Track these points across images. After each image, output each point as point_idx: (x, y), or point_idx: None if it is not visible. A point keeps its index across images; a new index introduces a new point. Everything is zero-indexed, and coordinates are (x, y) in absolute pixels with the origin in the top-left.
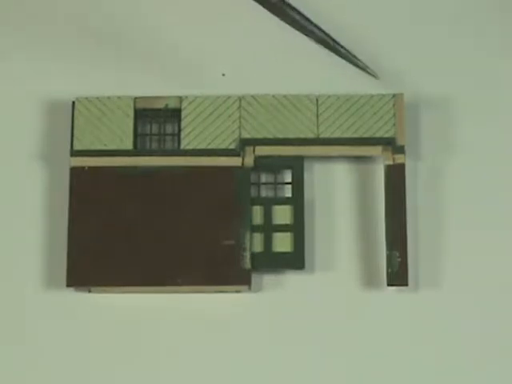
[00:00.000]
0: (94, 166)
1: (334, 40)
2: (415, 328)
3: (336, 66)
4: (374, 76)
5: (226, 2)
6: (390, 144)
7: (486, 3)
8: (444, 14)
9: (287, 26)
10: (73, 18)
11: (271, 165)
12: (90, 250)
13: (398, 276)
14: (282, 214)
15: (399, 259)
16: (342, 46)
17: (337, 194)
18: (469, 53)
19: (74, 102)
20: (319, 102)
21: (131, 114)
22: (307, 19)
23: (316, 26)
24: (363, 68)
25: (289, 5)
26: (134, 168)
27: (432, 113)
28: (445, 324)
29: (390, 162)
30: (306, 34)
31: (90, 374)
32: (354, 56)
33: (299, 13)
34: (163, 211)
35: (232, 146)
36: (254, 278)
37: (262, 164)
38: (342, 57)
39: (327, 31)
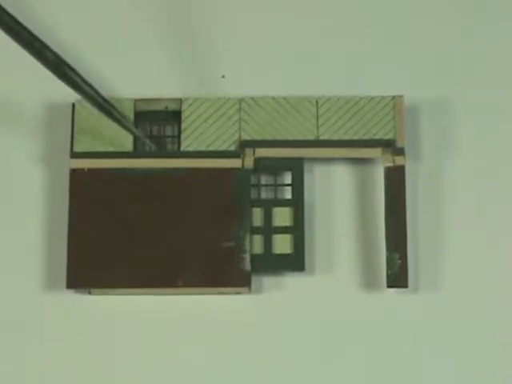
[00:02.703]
0: (94, 167)
1: (110, 103)
2: (415, 330)
3: (336, 68)
4: (151, 148)
5: (226, 3)
6: (390, 146)
7: (486, 4)
8: (444, 14)
9: (287, 28)
10: (73, 20)
11: (271, 166)
12: (90, 251)
13: (397, 278)
14: (282, 216)
15: (399, 261)
16: (117, 111)
17: (337, 196)
18: (469, 54)
19: (73, 104)
20: (319, 104)
21: (131, 115)
22: (85, 82)
23: (94, 89)
24: (139, 136)
25: (67, 65)
26: (134, 170)
27: (432, 115)
28: (445, 326)
29: (390, 164)
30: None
31: (90, 376)
32: (130, 123)
33: (77, 73)
34: (163, 213)
35: (232, 148)
36: (254, 279)
37: (262, 166)
38: (117, 122)
39: None
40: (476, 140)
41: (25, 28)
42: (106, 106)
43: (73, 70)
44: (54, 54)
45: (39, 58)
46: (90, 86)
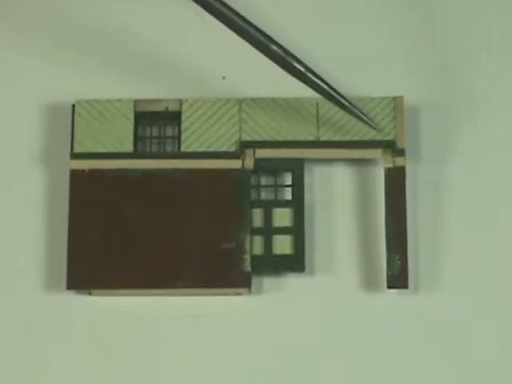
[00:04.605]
0: (94, 168)
1: (338, 93)
2: (415, 330)
3: (336, 69)
4: (375, 129)
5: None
6: (390, 147)
7: (486, 5)
8: (444, 15)
9: (287, 29)
10: (73, 20)
11: (271, 167)
12: (90, 252)
13: (398, 279)
14: (282, 217)
15: (399, 262)
16: (346, 99)
17: (337, 197)
18: (469, 55)
19: (73, 105)
20: (319, 105)
21: (131, 116)
22: (311, 71)
23: (320, 77)
24: (366, 121)
25: (294, 57)
26: (134, 171)
27: (432, 116)
28: (445, 327)
29: (390, 165)
30: (309, 85)
31: (90, 377)
32: (358, 109)
33: (304, 65)
34: (163, 214)
35: (232, 149)
36: (254, 280)
37: (262, 166)
38: (345, 110)
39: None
40: (476, 141)
41: (250, 23)
42: (334, 95)
43: (299, 61)
44: (280, 46)
45: (265, 52)
46: (316, 75)
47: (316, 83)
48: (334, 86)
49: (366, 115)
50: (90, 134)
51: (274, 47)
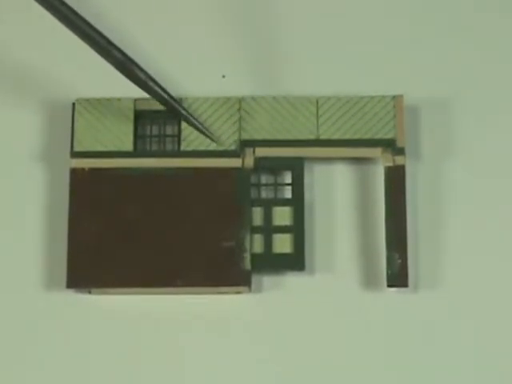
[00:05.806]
0: (94, 167)
1: (178, 103)
2: (415, 329)
3: (336, 68)
4: (212, 139)
5: (227, 3)
6: (390, 145)
7: (485, 5)
8: (444, 15)
9: (288, 28)
10: None
11: (271, 166)
12: (90, 251)
13: (397, 277)
14: (282, 215)
15: (399, 260)
16: (185, 110)
17: (337, 196)
18: (469, 54)
19: (74, 104)
20: (319, 104)
21: (131, 115)
22: (152, 79)
23: (160, 86)
24: (202, 131)
25: (135, 63)
26: (134, 169)
27: (432, 114)
28: (444, 325)
29: (390, 164)
30: (149, 94)
31: (89, 376)
32: (197, 120)
33: (145, 73)
34: (163, 213)
35: (232, 148)
36: (254, 279)
37: (262, 165)
38: (185, 120)
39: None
40: (476, 140)
41: (92, 26)
42: (172, 103)
43: (139, 68)
44: (121, 52)
45: (106, 56)
46: (157, 83)
47: (156, 91)
48: (174, 96)
49: (204, 126)
50: (90, 132)
51: (115, 52)
